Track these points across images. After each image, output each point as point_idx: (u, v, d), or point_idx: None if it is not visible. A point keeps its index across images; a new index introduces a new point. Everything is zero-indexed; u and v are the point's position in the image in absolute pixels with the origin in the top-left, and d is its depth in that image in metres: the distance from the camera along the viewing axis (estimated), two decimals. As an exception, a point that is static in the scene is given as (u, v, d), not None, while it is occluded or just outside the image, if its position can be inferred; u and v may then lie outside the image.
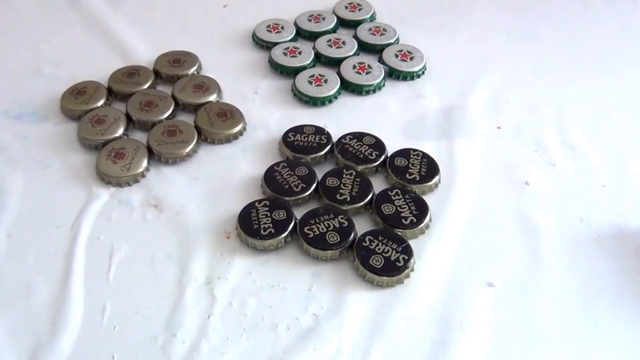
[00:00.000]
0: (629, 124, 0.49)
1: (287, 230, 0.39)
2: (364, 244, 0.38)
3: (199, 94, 0.49)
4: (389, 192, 0.41)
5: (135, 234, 0.40)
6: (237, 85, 0.51)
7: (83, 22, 0.57)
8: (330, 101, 0.50)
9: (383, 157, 0.44)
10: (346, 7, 0.59)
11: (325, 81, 0.50)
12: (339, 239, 0.39)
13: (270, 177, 0.43)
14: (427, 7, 0.61)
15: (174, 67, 0.51)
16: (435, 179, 0.43)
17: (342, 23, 0.58)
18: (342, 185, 0.42)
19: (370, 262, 0.37)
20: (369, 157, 0.44)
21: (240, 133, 0.47)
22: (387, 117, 0.49)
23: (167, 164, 0.44)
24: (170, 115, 0.47)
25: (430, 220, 0.41)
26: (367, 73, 0.51)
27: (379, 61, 0.53)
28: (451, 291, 0.37)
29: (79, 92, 0.49)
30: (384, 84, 0.51)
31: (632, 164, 0.46)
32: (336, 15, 0.58)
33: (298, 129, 0.46)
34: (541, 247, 0.40)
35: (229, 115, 0.47)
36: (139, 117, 0.47)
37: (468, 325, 0.36)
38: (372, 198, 0.42)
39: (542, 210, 0.42)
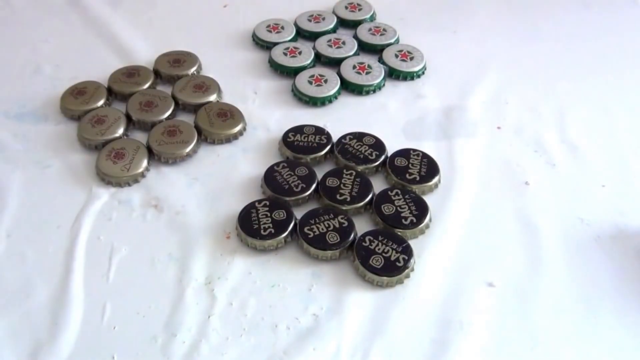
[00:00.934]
0: (629, 123, 0.49)
1: (287, 230, 0.39)
2: (364, 244, 0.38)
3: (199, 94, 0.49)
4: (389, 192, 0.41)
5: (135, 234, 0.40)
6: (237, 85, 0.51)
7: (83, 22, 0.57)
8: (330, 101, 0.50)
9: (383, 157, 0.44)
10: (346, 7, 0.59)
11: (325, 81, 0.50)
12: (339, 239, 0.39)
13: (270, 177, 0.43)
14: (427, 7, 0.61)
15: (174, 67, 0.51)
16: (435, 179, 0.43)
17: (342, 23, 0.58)
18: (342, 185, 0.42)
19: (370, 262, 0.37)
20: (369, 157, 0.44)
21: (240, 133, 0.47)
22: (387, 117, 0.49)
23: (167, 164, 0.44)
24: (170, 115, 0.47)
25: (430, 220, 0.41)
26: (367, 73, 0.51)
27: (379, 61, 0.53)
28: (451, 291, 0.37)
29: (79, 92, 0.49)
30: (384, 84, 0.51)
31: (632, 164, 0.46)
32: (336, 16, 0.58)
33: (298, 129, 0.46)
34: (541, 247, 0.40)
35: (229, 115, 0.47)
36: (139, 117, 0.47)
37: (468, 325, 0.36)
38: (372, 198, 0.42)
39: (542, 210, 0.42)
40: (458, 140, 0.47)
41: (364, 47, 0.55)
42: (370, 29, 0.56)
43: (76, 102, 0.48)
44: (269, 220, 0.40)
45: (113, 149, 0.44)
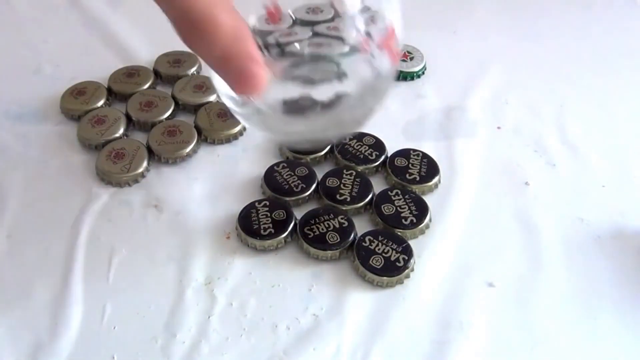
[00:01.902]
0: (629, 124, 0.49)
1: (287, 230, 0.39)
2: (364, 244, 0.38)
3: (199, 94, 0.49)
4: (389, 192, 0.42)
5: (135, 235, 0.40)
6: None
7: (83, 22, 0.57)
8: None
9: (383, 157, 0.44)
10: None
11: None
12: (339, 239, 0.39)
13: (270, 177, 0.43)
14: (427, 7, 0.61)
15: (174, 67, 0.51)
16: (435, 179, 0.43)
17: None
18: (342, 185, 0.42)
19: (370, 262, 0.37)
20: (369, 157, 0.44)
21: (240, 133, 0.47)
22: (387, 117, 0.49)
23: (167, 164, 0.44)
24: (170, 115, 0.47)
25: (430, 220, 0.41)
26: None
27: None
28: (451, 291, 0.37)
29: (79, 92, 0.49)
30: None
31: (632, 164, 0.46)
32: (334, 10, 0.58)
33: (298, 129, 0.46)
34: (541, 247, 0.40)
35: (229, 115, 0.47)
36: (139, 117, 0.47)
37: (468, 325, 0.36)
38: (372, 198, 0.42)
39: (542, 210, 0.42)
40: (458, 140, 0.47)
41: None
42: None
43: (76, 102, 0.48)
44: (269, 220, 0.40)
45: (113, 149, 0.44)
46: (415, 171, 0.43)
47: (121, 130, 0.46)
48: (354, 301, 0.37)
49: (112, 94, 0.50)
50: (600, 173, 0.45)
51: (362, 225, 0.40)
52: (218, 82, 0.32)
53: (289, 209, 0.40)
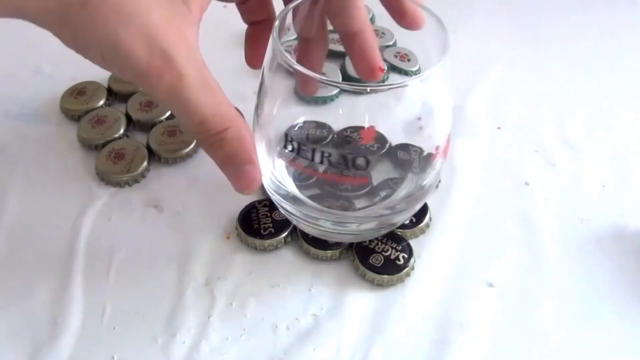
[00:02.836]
0: (629, 124, 0.49)
1: (287, 230, 0.39)
2: (363, 243, 0.38)
3: (199, 94, 0.49)
4: (389, 192, 0.41)
5: (135, 235, 0.40)
6: (237, 85, 0.51)
7: (83, 22, 0.57)
8: (332, 100, 0.49)
9: (384, 150, 0.44)
10: None
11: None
12: (339, 239, 0.39)
13: (270, 177, 0.42)
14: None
15: (174, 67, 0.51)
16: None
17: None
18: None
19: (370, 261, 0.37)
20: (370, 148, 0.44)
21: (240, 133, 0.47)
22: (387, 117, 0.49)
23: (167, 164, 0.44)
24: (170, 115, 0.47)
25: (430, 219, 0.41)
26: None
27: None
28: (451, 291, 0.37)
29: (79, 92, 0.49)
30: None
31: (632, 164, 0.46)
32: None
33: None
34: (541, 247, 0.40)
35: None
36: (139, 117, 0.47)
37: (468, 325, 0.36)
38: (372, 198, 0.41)
39: (542, 210, 0.42)
40: (458, 140, 0.47)
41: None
42: None
43: (76, 102, 0.48)
44: (269, 220, 0.40)
45: (113, 149, 0.44)
46: (415, 171, 0.43)
47: (121, 130, 0.46)
48: (354, 301, 0.37)
49: (112, 94, 0.50)
50: (600, 173, 0.45)
51: (362, 225, 0.40)
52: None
53: (289, 209, 0.40)
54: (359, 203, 0.39)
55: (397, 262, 0.37)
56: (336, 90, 0.47)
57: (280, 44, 0.33)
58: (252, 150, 0.32)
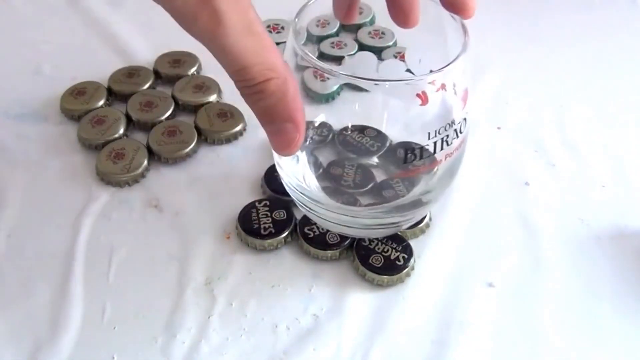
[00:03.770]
0: (629, 124, 0.49)
1: (287, 230, 0.39)
2: (363, 243, 0.38)
3: (199, 94, 0.49)
4: (389, 192, 0.41)
5: (135, 234, 0.40)
6: (237, 85, 0.51)
7: (83, 22, 0.57)
8: (333, 98, 0.49)
9: (384, 149, 0.44)
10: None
11: (328, 77, 0.50)
12: (339, 239, 0.39)
13: (270, 177, 0.43)
14: (427, 7, 0.61)
15: (174, 67, 0.51)
16: (436, 179, 0.43)
17: (344, 27, 0.58)
18: (344, 174, 0.42)
19: (370, 261, 0.37)
20: (370, 149, 0.44)
21: (240, 133, 0.47)
22: (388, 116, 0.49)
23: (167, 164, 0.44)
24: (170, 115, 0.47)
25: (430, 219, 0.41)
26: None
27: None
28: (451, 291, 0.37)
29: (79, 92, 0.49)
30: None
31: (632, 164, 0.46)
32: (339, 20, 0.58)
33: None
34: (541, 247, 0.40)
35: (229, 115, 0.47)
36: (139, 117, 0.47)
37: (468, 325, 0.36)
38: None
39: (542, 210, 0.42)
40: (458, 140, 0.47)
41: (364, 50, 0.55)
42: (369, 32, 0.56)
43: (76, 102, 0.48)
44: (269, 220, 0.40)
45: (113, 149, 0.44)
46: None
47: (121, 130, 0.46)
48: (354, 301, 0.37)
49: (112, 94, 0.50)
50: (600, 173, 0.45)
51: (362, 225, 0.40)
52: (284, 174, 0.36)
53: (289, 208, 0.40)
54: (363, 200, 0.39)
55: (397, 262, 0.37)
56: (337, 86, 0.47)
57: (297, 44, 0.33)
58: (296, 107, 0.29)
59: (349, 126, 0.44)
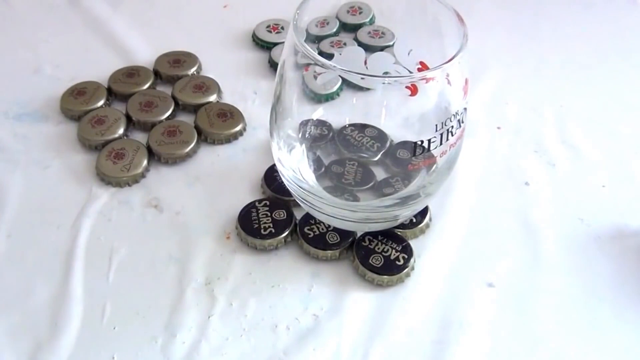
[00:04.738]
0: (629, 124, 0.49)
1: (287, 230, 0.39)
2: (363, 243, 0.38)
3: (199, 94, 0.49)
4: (389, 192, 0.41)
5: (135, 235, 0.40)
6: (237, 85, 0.51)
7: (83, 22, 0.57)
8: (332, 98, 0.49)
9: (384, 149, 0.44)
10: (347, 12, 0.59)
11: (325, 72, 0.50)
12: (339, 239, 0.39)
13: (270, 177, 0.43)
14: (427, 7, 0.61)
15: (174, 67, 0.51)
16: (435, 179, 0.43)
17: (344, 26, 0.58)
18: (345, 172, 0.42)
19: (370, 261, 0.37)
20: (370, 148, 0.44)
21: (240, 133, 0.47)
22: (388, 116, 0.49)
23: (167, 164, 0.44)
24: (170, 115, 0.47)
25: (430, 219, 0.41)
26: None
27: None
28: (451, 291, 0.37)
29: (79, 92, 0.49)
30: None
31: (632, 164, 0.46)
32: (338, 20, 0.58)
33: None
34: (541, 247, 0.40)
35: (229, 115, 0.47)
36: (139, 117, 0.47)
37: (468, 325, 0.36)
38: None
39: (542, 210, 0.42)
40: (458, 140, 0.47)
41: (364, 50, 0.55)
42: (369, 32, 0.56)
43: (76, 102, 0.48)
44: (269, 220, 0.40)
45: (113, 149, 0.44)
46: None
47: (121, 130, 0.46)
48: (354, 301, 0.37)
49: (112, 94, 0.50)
50: (600, 173, 0.45)
51: (362, 225, 0.40)
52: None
53: (289, 208, 0.40)
54: (363, 198, 0.39)
55: (397, 262, 0.37)
56: (337, 86, 0.47)
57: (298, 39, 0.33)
58: None
59: (347, 125, 0.45)
